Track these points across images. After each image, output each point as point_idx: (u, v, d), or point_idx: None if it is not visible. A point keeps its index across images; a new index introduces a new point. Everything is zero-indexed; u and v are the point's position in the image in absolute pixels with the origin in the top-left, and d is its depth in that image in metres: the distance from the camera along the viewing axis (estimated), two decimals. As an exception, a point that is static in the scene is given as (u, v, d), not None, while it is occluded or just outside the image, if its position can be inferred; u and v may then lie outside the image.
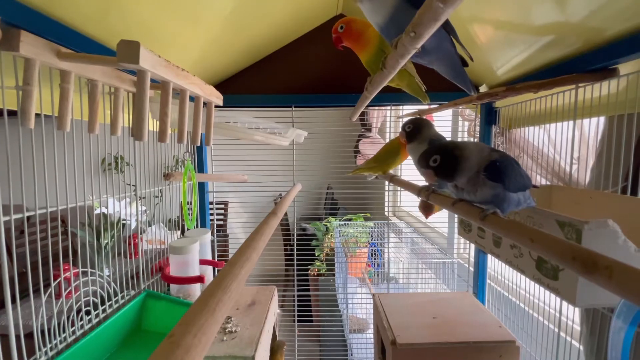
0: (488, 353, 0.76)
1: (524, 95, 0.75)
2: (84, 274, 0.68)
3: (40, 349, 0.58)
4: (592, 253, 0.26)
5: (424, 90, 0.68)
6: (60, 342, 0.62)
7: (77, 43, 0.54)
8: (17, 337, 0.51)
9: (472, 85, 0.58)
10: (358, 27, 0.60)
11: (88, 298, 0.70)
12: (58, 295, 0.63)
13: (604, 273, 0.23)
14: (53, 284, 0.59)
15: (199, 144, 0.73)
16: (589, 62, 0.62)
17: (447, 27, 0.47)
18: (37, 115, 0.49)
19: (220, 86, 1.15)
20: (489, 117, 1.03)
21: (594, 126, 0.80)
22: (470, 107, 1.13)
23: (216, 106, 0.79)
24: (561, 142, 0.74)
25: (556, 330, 0.74)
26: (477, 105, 1.04)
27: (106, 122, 0.65)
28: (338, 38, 0.61)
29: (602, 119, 0.77)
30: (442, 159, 0.47)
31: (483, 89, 1.03)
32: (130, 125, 0.69)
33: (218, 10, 0.73)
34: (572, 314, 0.80)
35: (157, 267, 0.98)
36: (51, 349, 0.60)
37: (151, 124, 0.79)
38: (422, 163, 0.48)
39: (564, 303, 0.69)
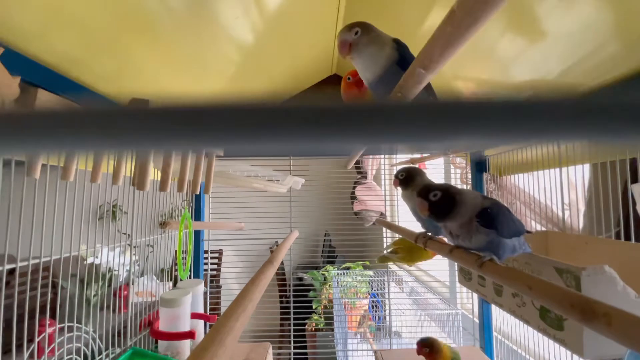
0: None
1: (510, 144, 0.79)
2: (69, 329, 0.65)
3: (11, 418, 0.53)
4: (589, 300, 0.26)
5: None
6: (34, 409, 0.56)
7: (90, 99, 0.58)
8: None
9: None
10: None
11: (71, 356, 0.65)
12: (40, 353, 0.59)
13: (603, 320, 0.23)
14: (36, 340, 0.55)
15: (198, 193, 0.74)
16: (567, 115, 0.66)
17: (429, 90, 0.51)
18: (43, 165, 0.51)
19: (221, 137, 1.19)
20: (479, 165, 1.07)
21: (579, 173, 0.83)
22: (461, 155, 1.17)
23: (217, 156, 0.82)
24: (550, 188, 0.76)
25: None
26: (467, 153, 1.09)
27: (108, 171, 0.67)
28: (349, 85, 0.65)
29: (587, 167, 0.80)
30: (442, 196, 0.48)
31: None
32: (132, 175, 0.71)
33: (222, 71, 0.79)
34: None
35: (146, 321, 0.93)
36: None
37: (152, 173, 0.81)
38: (422, 194, 0.50)
39: (575, 356, 0.65)
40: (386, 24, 0.77)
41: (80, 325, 0.67)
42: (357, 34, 0.44)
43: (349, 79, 0.64)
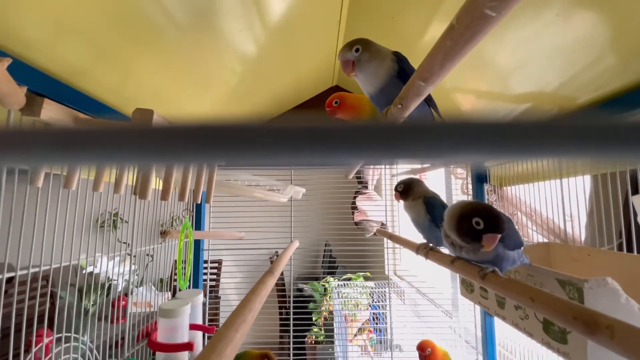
0: None
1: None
2: (66, 339, 0.64)
3: None
4: (592, 312, 0.26)
5: None
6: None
7: (95, 109, 0.59)
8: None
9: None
10: (351, 101, 0.66)
11: (67, 368, 0.64)
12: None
13: (606, 333, 0.23)
14: (34, 350, 0.54)
15: (199, 202, 0.74)
16: (566, 127, 0.67)
17: (429, 101, 0.52)
18: (46, 173, 0.51)
19: (223, 146, 1.20)
20: (480, 176, 1.07)
21: (580, 184, 0.83)
22: (461, 166, 1.18)
23: (218, 165, 0.82)
24: (551, 200, 0.76)
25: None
26: (467, 164, 1.09)
27: (110, 180, 0.67)
28: (333, 111, 0.66)
29: (587, 178, 0.80)
30: (484, 220, 0.43)
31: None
32: (134, 184, 0.71)
33: (225, 82, 0.80)
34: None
35: (144, 332, 0.91)
36: None
37: (153, 182, 0.81)
38: (494, 226, 0.43)
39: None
40: (386, 37, 0.78)
41: (77, 336, 0.67)
42: (358, 52, 0.45)
43: (335, 102, 0.65)
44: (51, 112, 0.49)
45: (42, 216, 0.55)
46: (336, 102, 0.65)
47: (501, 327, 1.07)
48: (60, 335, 0.63)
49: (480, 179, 1.07)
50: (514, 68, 0.64)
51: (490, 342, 1.04)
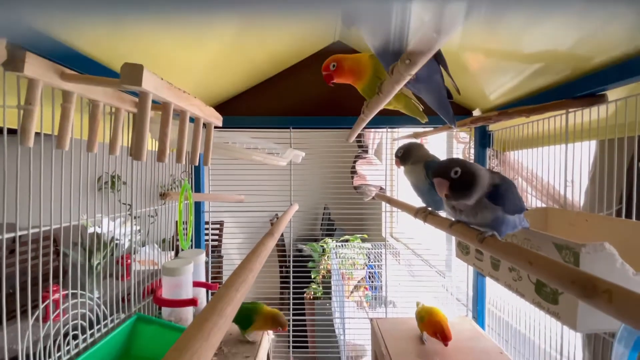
0: (490, 381, 0.74)
1: (516, 119, 0.77)
2: (73, 295, 0.66)
3: (23, 376, 0.55)
4: (591, 277, 0.26)
5: (421, 109, 0.69)
6: (45, 368, 0.59)
7: (81, 65, 0.55)
8: (0, 362, 0.49)
9: (454, 118, 0.59)
10: (350, 63, 0.61)
11: (76, 321, 0.67)
12: (45, 318, 0.61)
13: (603, 297, 0.23)
14: (41, 307, 0.57)
15: (197, 164, 0.73)
16: (578, 89, 0.64)
17: (438, 57, 0.49)
18: (37, 133, 0.49)
19: (220, 107, 1.17)
20: (483, 140, 1.05)
21: (585, 149, 0.82)
22: (465, 130, 1.15)
23: (215, 127, 0.80)
24: (554, 165, 0.75)
25: (558, 356, 0.72)
26: (471, 128, 1.06)
27: (105, 141, 0.65)
28: (329, 75, 0.61)
29: (593, 143, 0.78)
30: (462, 173, 0.43)
31: (476, 112, 1.06)
32: (129, 145, 0.70)
33: (219, 36, 0.75)
34: (574, 339, 0.78)
35: (149, 289, 0.95)
36: (34, 376, 0.57)
37: (150, 144, 0.80)
38: (441, 172, 0.45)
39: (565, 328, 0.67)
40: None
41: (84, 292, 0.69)
42: None
43: (333, 66, 0.60)
44: (35, 67, 0.46)
45: (38, 177, 0.54)
46: (333, 66, 0.61)
47: (491, 287, 1.12)
48: (67, 291, 0.65)
49: (483, 143, 1.05)
50: (526, 24, 0.60)
51: (480, 300, 1.09)
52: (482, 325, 1.08)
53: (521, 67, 0.73)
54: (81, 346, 0.68)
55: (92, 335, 0.71)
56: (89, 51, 0.57)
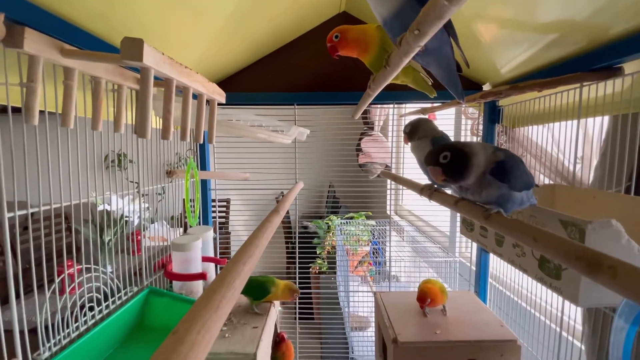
0: (489, 352, 0.76)
1: (527, 93, 0.75)
2: (87, 270, 0.69)
3: (43, 345, 0.58)
4: (596, 253, 0.26)
5: (430, 84, 0.67)
6: (64, 337, 0.62)
7: (81, 40, 0.54)
8: (21, 332, 0.52)
9: (463, 93, 0.57)
10: (354, 34, 0.58)
11: (91, 294, 0.70)
12: (62, 292, 0.64)
13: (608, 273, 0.23)
14: (57, 280, 0.59)
15: (202, 142, 0.73)
16: (594, 61, 0.61)
17: (448, 28, 0.46)
18: (41, 112, 0.49)
19: (223, 84, 1.15)
20: (492, 115, 1.03)
21: (598, 125, 0.80)
22: (474, 105, 1.12)
23: (219, 104, 0.79)
24: (565, 141, 0.74)
25: (558, 329, 0.74)
26: (481, 103, 1.04)
27: (109, 119, 0.65)
28: (333, 47, 0.58)
29: (606, 118, 0.76)
30: (452, 156, 0.43)
31: (486, 87, 1.03)
32: (134, 123, 0.69)
33: (220, 8, 0.73)
34: (575, 314, 0.80)
35: (160, 264, 0.98)
36: (54, 344, 0.60)
37: (154, 122, 0.80)
38: (430, 160, 0.45)
39: (566, 302, 0.68)
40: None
41: (97, 267, 0.71)
42: None
43: (336, 36, 0.57)
44: (35, 42, 0.45)
45: (45, 156, 0.55)
46: (336, 37, 0.58)
47: (494, 263, 1.13)
48: (81, 266, 0.68)
49: (492, 119, 1.03)
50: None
51: (483, 276, 1.11)
52: (484, 299, 1.10)
53: (535, 38, 0.69)
54: (97, 317, 0.71)
55: (107, 307, 0.74)
56: (89, 26, 0.56)
